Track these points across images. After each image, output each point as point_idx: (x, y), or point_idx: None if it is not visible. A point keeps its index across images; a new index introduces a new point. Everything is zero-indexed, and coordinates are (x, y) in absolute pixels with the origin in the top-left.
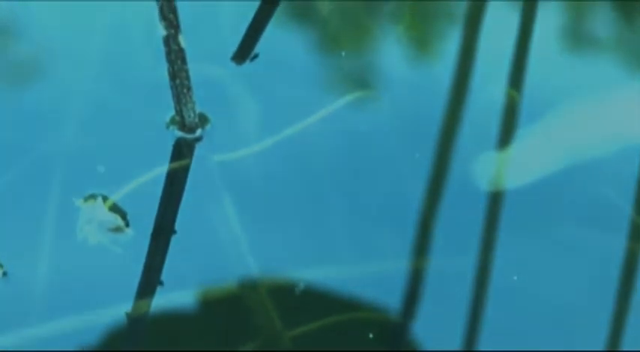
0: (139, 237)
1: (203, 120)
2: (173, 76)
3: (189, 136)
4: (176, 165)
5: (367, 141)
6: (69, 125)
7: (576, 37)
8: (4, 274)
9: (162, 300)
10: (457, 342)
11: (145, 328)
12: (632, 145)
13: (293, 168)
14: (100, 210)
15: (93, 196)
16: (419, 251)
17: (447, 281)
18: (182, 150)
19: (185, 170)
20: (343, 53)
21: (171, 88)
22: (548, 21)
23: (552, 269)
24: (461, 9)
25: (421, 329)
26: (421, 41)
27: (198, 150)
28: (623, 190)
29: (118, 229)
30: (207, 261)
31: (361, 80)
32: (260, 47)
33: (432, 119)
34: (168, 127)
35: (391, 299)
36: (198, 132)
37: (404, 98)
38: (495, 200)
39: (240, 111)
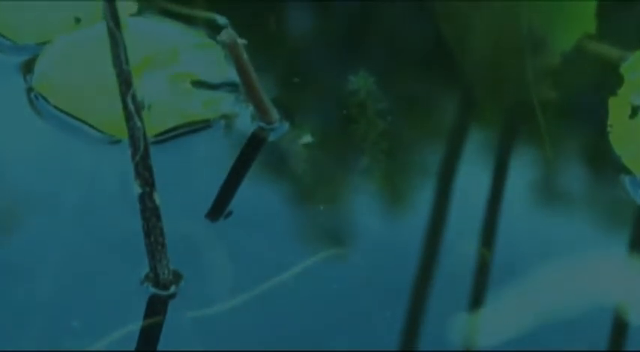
0: None
1: (177, 276)
2: (147, 233)
3: (163, 293)
4: (149, 321)
5: (340, 299)
6: (42, 279)
7: (548, 195)
8: None
9: None
10: None
11: None
12: (604, 305)
13: (266, 325)
14: None
15: None
16: None
17: None
18: (156, 307)
19: (158, 327)
20: (322, 207)
21: (146, 244)
22: (520, 177)
23: None
24: (434, 166)
25: None
26: (394, 197)
27: (172, 306)
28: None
29: None
30: None
31: (334, 236)
32: (234, 204)
33: (405, 276)
34: (142, 283)
35: None
36: (172, 288)
37: (376, 255)
38: None
39: (214, 268)
